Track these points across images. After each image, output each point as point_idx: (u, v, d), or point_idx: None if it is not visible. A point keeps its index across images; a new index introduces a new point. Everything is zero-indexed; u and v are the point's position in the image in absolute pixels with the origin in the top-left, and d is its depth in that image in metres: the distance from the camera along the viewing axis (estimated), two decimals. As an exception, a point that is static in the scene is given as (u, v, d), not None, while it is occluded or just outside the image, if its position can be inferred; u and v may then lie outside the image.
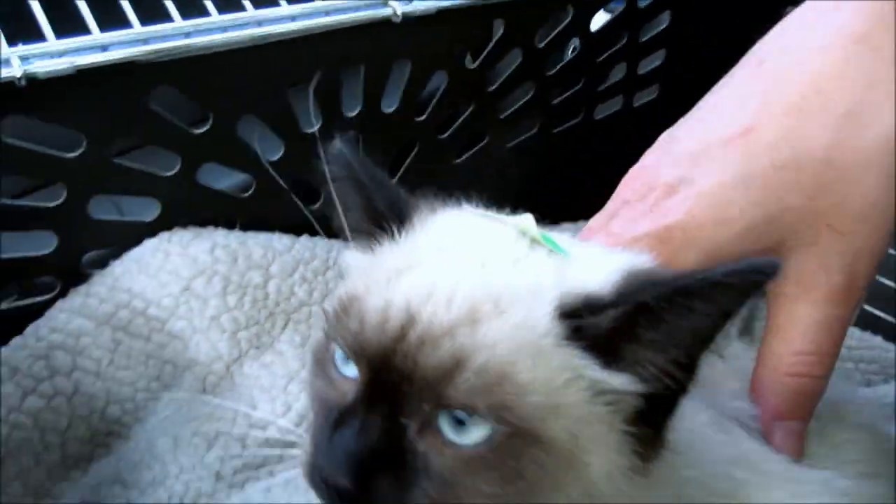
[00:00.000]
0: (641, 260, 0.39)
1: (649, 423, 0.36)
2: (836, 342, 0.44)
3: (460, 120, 0.89)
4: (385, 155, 0.84)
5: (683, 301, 0.33)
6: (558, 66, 0.93)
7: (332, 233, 0.85)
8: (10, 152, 0.61)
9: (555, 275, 0.36)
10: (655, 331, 0.34)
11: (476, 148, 0.92)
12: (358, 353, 0.36)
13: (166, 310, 0.68)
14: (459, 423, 0.34)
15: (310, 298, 0.73)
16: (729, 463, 0.44)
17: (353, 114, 0.80)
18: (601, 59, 0.96)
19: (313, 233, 0.80)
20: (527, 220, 0.40)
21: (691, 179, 0.46)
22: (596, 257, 0.39)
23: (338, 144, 0.44)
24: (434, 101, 0.86)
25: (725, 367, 0.50)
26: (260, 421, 0.63)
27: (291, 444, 0.65)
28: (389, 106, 0.82)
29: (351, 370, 0.37)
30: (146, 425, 0.65)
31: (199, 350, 0.68)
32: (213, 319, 0.68)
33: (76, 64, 0.57)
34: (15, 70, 0.53)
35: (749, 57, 0.49)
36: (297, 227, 0.80)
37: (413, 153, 0.87)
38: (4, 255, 0.66)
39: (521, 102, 0.93)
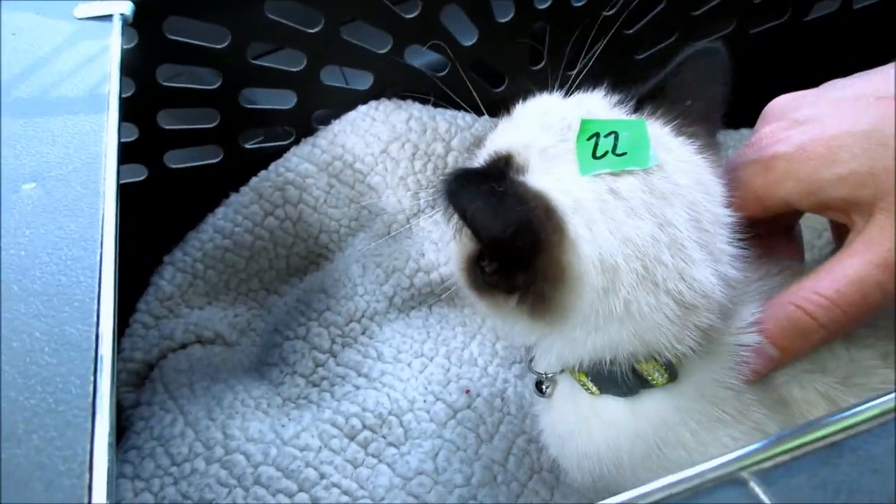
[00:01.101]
0: None
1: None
2: (860, 306, 0.45)
3: (649, 16, 0.91)
4: (569, 46, 0.90)
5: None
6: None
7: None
8: (270, 26, 0.78)
9: (533, 149, 0.47)
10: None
11: (662, 45, 0.94)
12: None
13: (367, 165, 0.85)
14: None
15: (481, 173, 0.86)
16: None
17: (545, 6, 0.86)
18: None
19: (493, 114, 0.91)
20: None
21: (821, 120, 0.48)
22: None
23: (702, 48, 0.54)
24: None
25: None
26: (426, 266, 0.79)
27: (447, 288, 0.82)
28: (579, 0, 0.87)
29: None
30: (345, 253, 0.85)
31: (388, 202, 0.84)
32: (401, 179, 0.84)
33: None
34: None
35: None
36: (480, 106, 0.91)
37: (597, 47, 0.92)
38: (259, 106, 0.86)
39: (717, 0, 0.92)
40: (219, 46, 0.76)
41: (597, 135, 0.46)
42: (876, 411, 0.28)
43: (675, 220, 0.44)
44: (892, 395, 0.29)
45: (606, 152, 0.45)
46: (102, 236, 0.36)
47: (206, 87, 0.80)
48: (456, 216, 0.45)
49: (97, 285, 0.33)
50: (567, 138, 0.47)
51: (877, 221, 0.44)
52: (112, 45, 0.53)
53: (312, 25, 0.79)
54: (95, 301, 0.32)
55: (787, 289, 0.47)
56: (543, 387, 0.57)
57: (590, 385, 0.51)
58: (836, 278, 0.45)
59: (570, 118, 0.48)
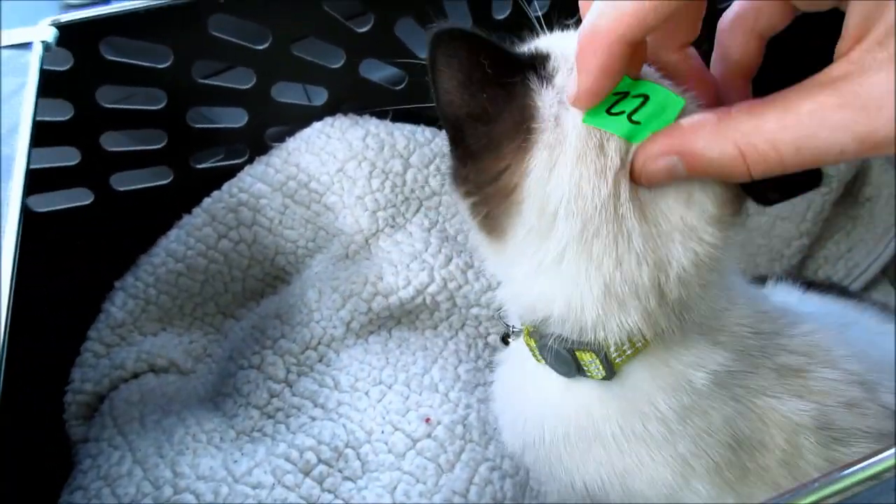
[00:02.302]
0: None
1: None
2: (807, 165, 0.34)
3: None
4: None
5: None
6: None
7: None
8: (215, 43, 0.75)
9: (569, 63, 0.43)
10: None
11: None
12: None
13: (323, 185, 0.82)
14: None
15: (441, 189, 0.83)
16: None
17: (503, 16, 0.84)
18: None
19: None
20: None
21: None
22: None
23: None
24: (587, 4, 0.86)
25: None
26: (384, 289, 0.77)
27: (407, 312, 0.80)
28: (540, 8, 0.84)
29: None
30: (302, 275, 0.82)
31: (346, 222, 0.82)
32: (358, 198, 0.81)
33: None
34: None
35: None
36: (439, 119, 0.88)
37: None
38: (209, 125, 0.83)
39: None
40: (161, 66, 0.73)
41: (626, 94, 0.40)
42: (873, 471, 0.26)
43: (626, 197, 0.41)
44: (892, 452, 0.27)
45: (623, 112, 0.40)
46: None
47: (150, 108, 0.76)
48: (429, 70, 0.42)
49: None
50: None
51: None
52: (29, 81, 0.50)
53: (261, 42, 0.76)
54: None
55: (739, 107, 0.36)
56: (511, 339, 0.56)
57: (536, 353, 0.50)
58: (806, 130, 0.33)
59: None
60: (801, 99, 0.34)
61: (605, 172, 0.40)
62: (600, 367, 0.46)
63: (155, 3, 0.66)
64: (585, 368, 0.47)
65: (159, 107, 0.76)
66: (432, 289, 0.78)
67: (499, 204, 0.43)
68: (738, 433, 0.47)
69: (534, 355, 0.50)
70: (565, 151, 0.40)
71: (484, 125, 0.42)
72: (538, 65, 0.43)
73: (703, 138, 0.36)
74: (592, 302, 0.42)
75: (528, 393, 0.53)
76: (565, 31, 0.48)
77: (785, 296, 0.69)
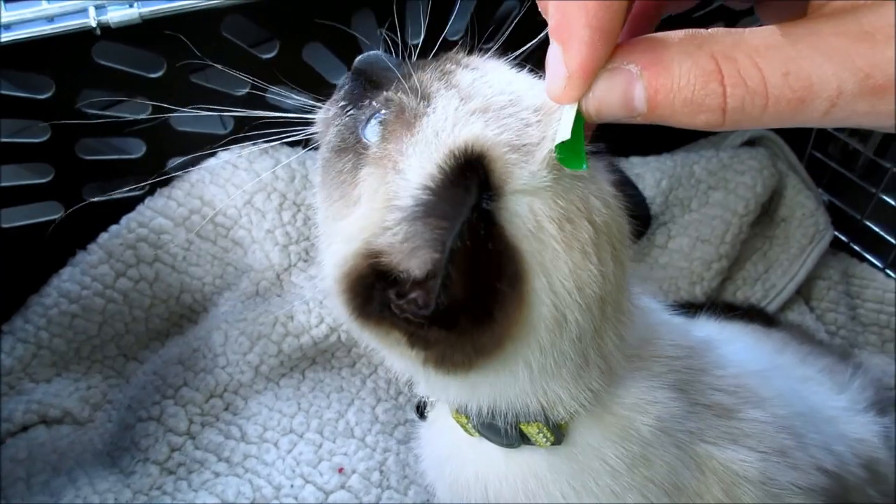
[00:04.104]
0: None
1: None
2: (792, 110, 0.28)
3: (531, 44, 0.87)
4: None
5: None
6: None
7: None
8: (102, 72, 0.69)
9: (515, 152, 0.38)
10: None
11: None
12: None
13: (230, 219, 0.78)
14: None
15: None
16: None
17: (418, 41, 0.80)
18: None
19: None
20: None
21: None
22: None
23: None
24: (505, 26, 0.84)
25: None
26: (295, 329, 0.73)
27: (322, 352, 0.76)
28: (455, 33, 0.82)
29: None
30: (210, 314, 0.77)
31: (255, 258, 0.77)
32: (268, 232, 0.77)
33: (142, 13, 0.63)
34: (91, 21, 0.60)
35: None
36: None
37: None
38: (102, 157, 0.77)
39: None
40: (41, 97, 0.67)
41: None
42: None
43: (605, 259, 0.38)
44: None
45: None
46: None
47: (32, 141, 0.70)
48: (427, 237, 0.35)
49: None
50: (544, 132, 0.38)
51: None
52: None
53: (155, 70, 0.71)
54: None
55: (715, 32, 0.30)
56: (426, 411, 0.53)
57: (468, 429, 0.47)
58: (796, 51, 0.27)
59: (544, 104, 0.38)
60: (792, 25, 0.28)
61: (585, 249, 0.37)
62: (548, 435, 0.44)
63: (24, 36, 0.60)
64: (532, 439, 0.44)
65: (43, 139, 0.70)
66: (347, 326, 0.75)
67: (490, 352, 0.38)
68: (678, 481, 0.46)
69: (465, 430, 0.47)
70: (551, 253, 0.37)
71: (480, 309, 0.37)
72: (484, 179, 0.36)
73: (674, 48, 0.29)
74: (571, 383, 0.41)
75: (467, 457, 0.50)
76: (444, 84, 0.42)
77: (706, 332, 0.68)
